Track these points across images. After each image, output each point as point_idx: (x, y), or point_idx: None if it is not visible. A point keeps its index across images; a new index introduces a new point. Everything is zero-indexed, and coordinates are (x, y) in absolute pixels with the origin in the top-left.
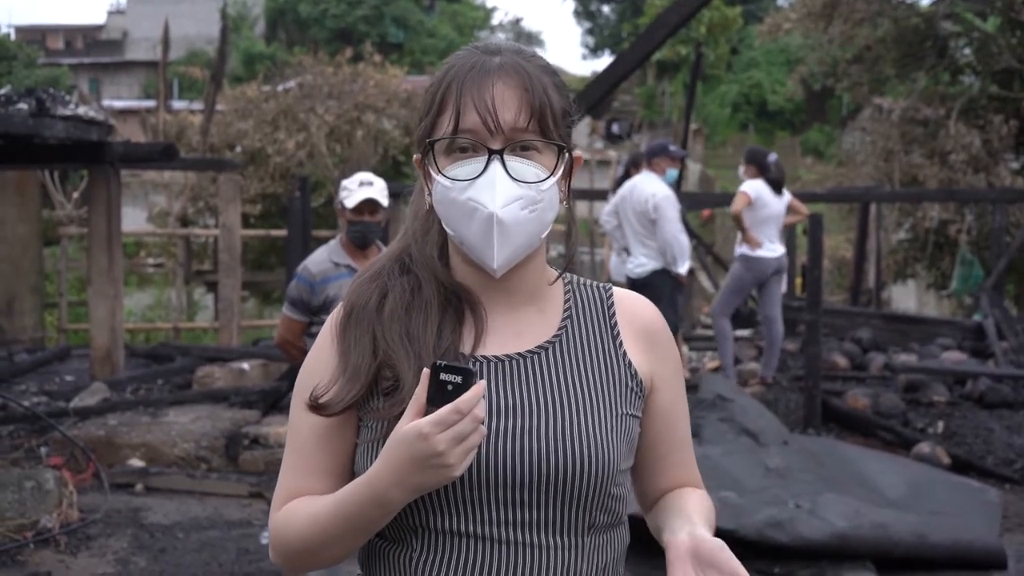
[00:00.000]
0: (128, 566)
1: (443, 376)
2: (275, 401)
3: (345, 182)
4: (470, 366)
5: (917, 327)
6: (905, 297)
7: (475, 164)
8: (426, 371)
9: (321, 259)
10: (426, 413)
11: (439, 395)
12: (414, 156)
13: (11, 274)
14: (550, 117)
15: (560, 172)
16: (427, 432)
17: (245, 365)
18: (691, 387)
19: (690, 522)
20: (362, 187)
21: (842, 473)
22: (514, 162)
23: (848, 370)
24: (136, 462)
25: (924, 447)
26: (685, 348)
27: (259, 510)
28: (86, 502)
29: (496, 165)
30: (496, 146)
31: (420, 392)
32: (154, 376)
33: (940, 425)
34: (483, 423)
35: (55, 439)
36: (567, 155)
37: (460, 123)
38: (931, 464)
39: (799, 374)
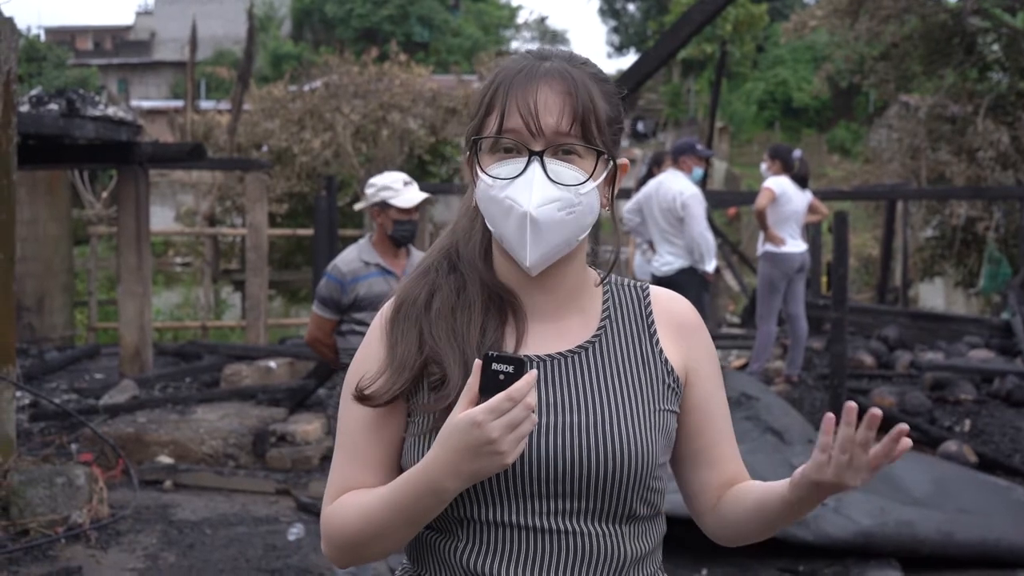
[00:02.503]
0: (157, 561)
1: (495, 366)
2: (302, 399)
3: (383, 181)
4: (522, 357)
5: (944, 325)
6: (933, 295)
7: (516, 164)
8: (478, 361)
9: (351, 258)
10: (478, 403)
11: (491, 385)
12: (464, 155)
13: (42, 273)
14: (593, 123)
15: (601, 178)
16: (481, 420)
17: (272, 363)
18: None
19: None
20: (407, 186)
21: None
22: (554, 164)
23: (874, 368)
24: (165, 459)
25: (951, 445)
26: None
27: (286, 507)
28: (116, 498)
29: (535, 166)
30: (537, 148)
31: (473, 382)
32: (182, 374)
33: (967, 423)
34: (534, 412)
35: (85, 436)
36: (610, 161)
37: (504, 124)
38: (958, 462)
39: (825, 372)
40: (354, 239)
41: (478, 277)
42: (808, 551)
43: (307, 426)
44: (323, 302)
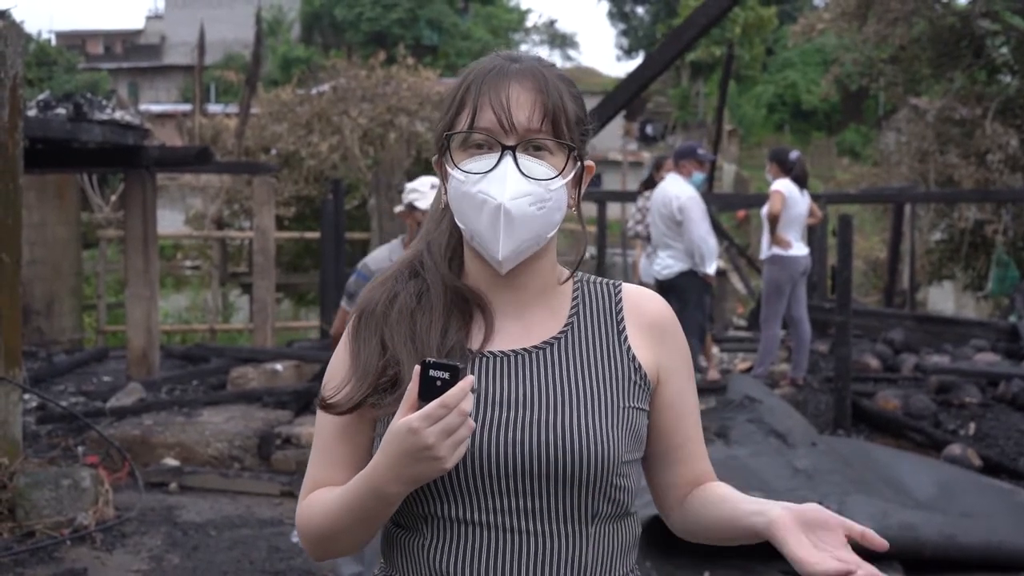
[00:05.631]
0: (162, 563)
1: (432, 373)
2: (308, 401)
3: (413, 185)
4: (458, 363)
5: (950, 328)
6: (943, 298)
7: (488, 159)
8: (417, 368)
9: (382, 257)
10: (418, 409)
11: (428, 391)
12: (434, 159)
13: (51, 276)
14: (563, 120)
15: (571, 174)
16: (416, 427)
17: (278, 366)
18: (720, 388)
19: (764, 502)
20: (433, 189)
21: (871, 474)
22: (525, 160)
23: (880, 371)
24: (170, 461)
25: (955, 448)
26: (716, 349)
27: (290, 509)
28: (121, 500)
29: (508, 161)
30: (509, 143)
31: (412, 389)
32: (189, 377)
33: (971, 427)
34: (472, 416)
35: (92, 438)
36: (578, 161)
37: (476, 120)
38: (962, 466)
39: (830, 375)
40: (361, 242)
41: (440, 280)
42: None
43: (312, 428)
44: (351, 298)
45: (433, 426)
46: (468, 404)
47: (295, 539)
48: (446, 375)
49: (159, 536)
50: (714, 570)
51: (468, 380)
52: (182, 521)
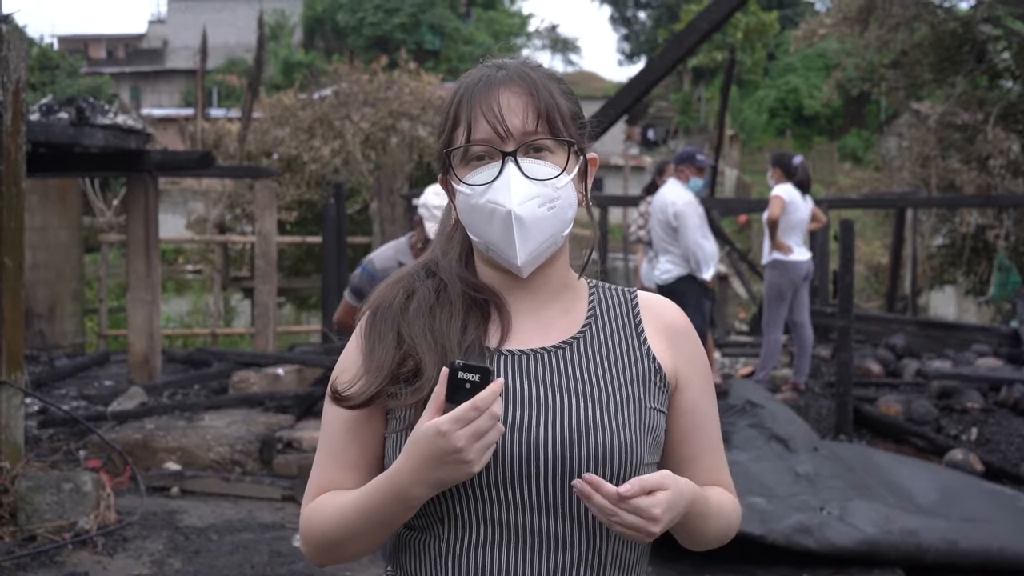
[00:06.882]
0: (163, 567)
1: (461, 375)
2: (309, 406)
3: (435, 188)
4: (488, 365)
5: (952, 333)
6: (945, 303)
7: (491, 169)
8: (445, 370)
9: (387, 255)
10: (445, 411)
11: (457, 393)
12: (439, 177)
13: (53, 280)
14: (558, 118)
15: (575, 171)
16: (446, 430)
17: (280, 370)
18: (722, 393)
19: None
20: None
21: (873, 479)
22: (527, 162)
23: (882, 376)
24: (172, 465)
25: (957, 454)
26: (717, 354)
27: (292, 513)
28: (123, 504)
29: (510, 167)
30: (508, 149)
31: (439, 390)
32: (191, 381)
33: (973, 432)
34: (500, 420)
35: (93, 442)
36: (580, 155)
37: (472, 133)
38: (964, 471)
39: (832, 380)
40: (363, 246)
41: (458, 280)
42: (811, 559)
43: (314, 433)
44: (354, 291)
45: (463, 429)
46: (498, 407)
47: (296, 543)
48: (476, 377)
49: (160, 540)
50: (714, 574)
51: (499, 383)
52: (183, 525)
